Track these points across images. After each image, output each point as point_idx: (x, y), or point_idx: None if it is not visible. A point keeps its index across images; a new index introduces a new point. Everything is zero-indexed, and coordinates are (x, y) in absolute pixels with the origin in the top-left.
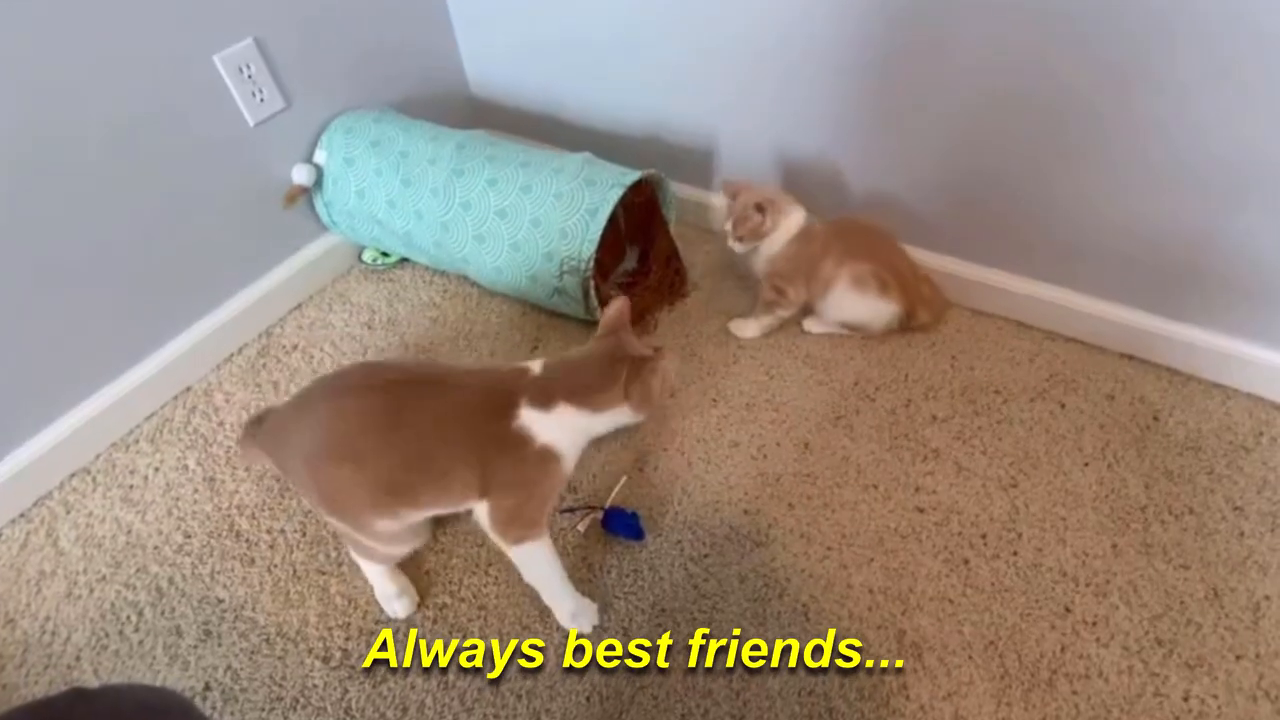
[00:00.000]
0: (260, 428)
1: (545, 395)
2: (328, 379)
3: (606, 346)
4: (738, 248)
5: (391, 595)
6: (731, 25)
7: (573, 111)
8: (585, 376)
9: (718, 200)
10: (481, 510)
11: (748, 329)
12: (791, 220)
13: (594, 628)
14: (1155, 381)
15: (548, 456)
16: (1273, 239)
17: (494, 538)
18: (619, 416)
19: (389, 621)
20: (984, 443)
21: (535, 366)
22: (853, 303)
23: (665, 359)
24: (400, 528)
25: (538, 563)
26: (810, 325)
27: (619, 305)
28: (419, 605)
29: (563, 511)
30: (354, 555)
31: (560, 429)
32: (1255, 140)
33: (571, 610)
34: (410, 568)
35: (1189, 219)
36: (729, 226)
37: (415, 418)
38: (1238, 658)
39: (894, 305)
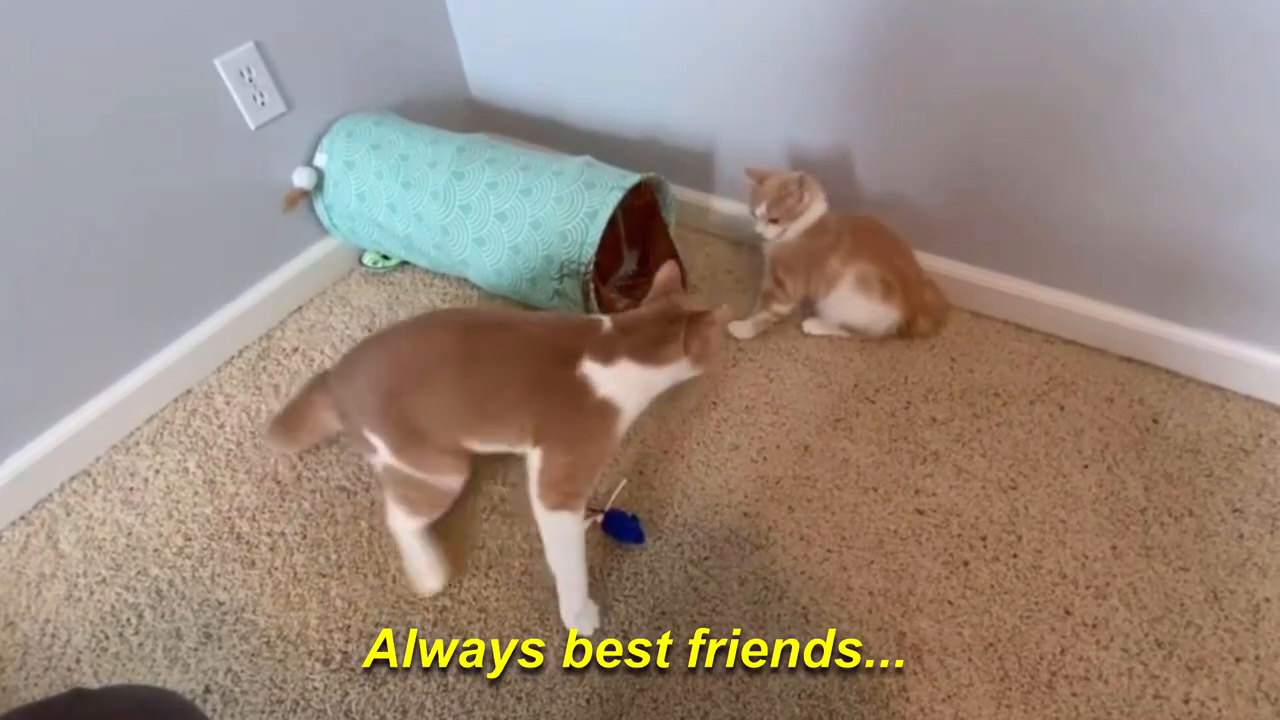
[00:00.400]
0: (322, 383)
1: (608, 350)
2: (405, 321)
3: (661, 306)
4: (770, 232)
5: (424, 569)
6: (731, 28)
7: (573, 115)
8: (646, 333)
9: (718, 203)
10: (533, 459)
11: (743, 328)
12: (813, 210)
13: (594, 631)
14: (1154, 384)
15: (606, 410)
16: (1272, 241)
17: (535, 499)
18: (679, 371)
19: (390, 622)
20: (983, 445)
21: (606, 322)
22: (855, 304)
23: (719, 312)
24: (462, 449)
25: (567, 539)
26: (810, 327)
27: (669, 269)
28: (450, 580)
29: None
30: (394, 520)
31: (621, 383)
32: (1255, 142)
33: (578, 609)
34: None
35: (1189, 221)
36: (761, 210)
37: (484, 355)
38: (1238, 660)
39: (895, 312)
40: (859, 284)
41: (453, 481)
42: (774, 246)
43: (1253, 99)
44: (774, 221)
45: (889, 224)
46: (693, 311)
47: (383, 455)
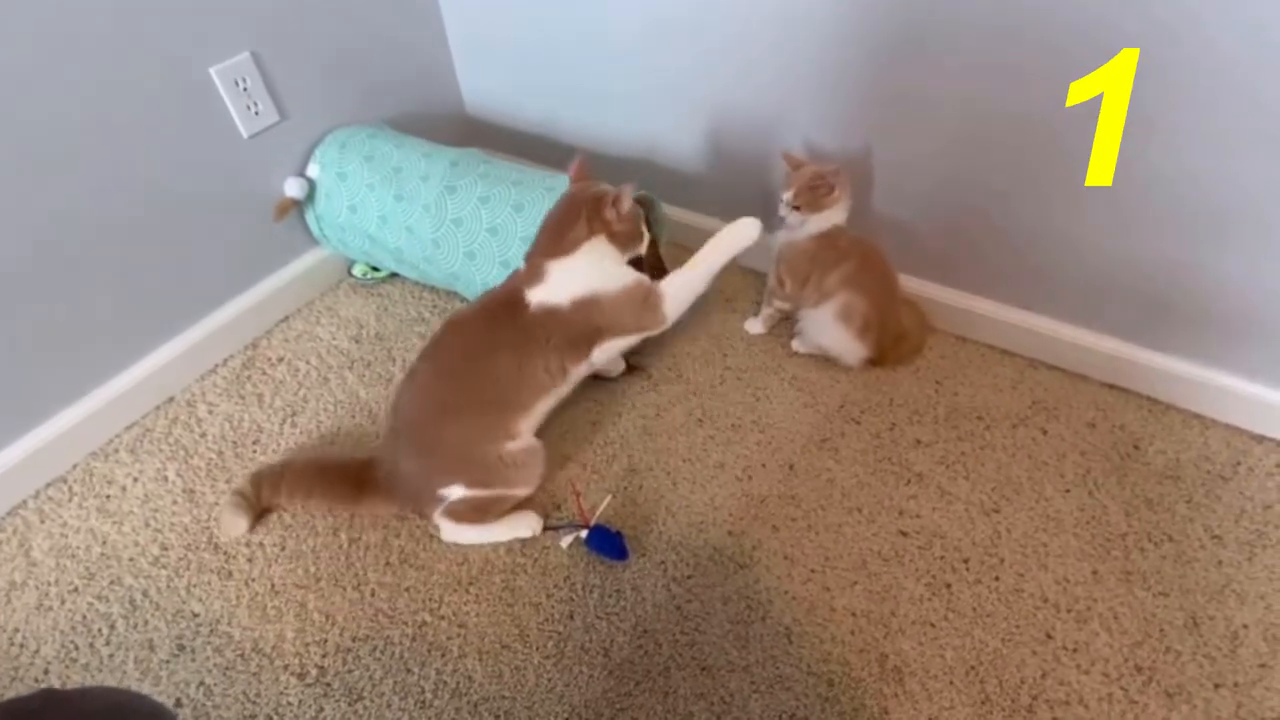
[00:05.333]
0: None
1: (537, 271)
2: (400, 390)
3: (569, 193)
4: (792, 218)
5: (521, 518)
6: (726, 50)
7: (566, 132)
8: (553, 229)
9: (709, 222)
10: (610, 344)
11: (755, 325)
12: (835, 212)
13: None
14: (1136, 410)
15: (583, 304)
16: (1252, 273)
17: (657, 329)
18: (603, 249)
19: (368, 636)
20: (967, 468)
21: (523, 260)
22: (832, 330)
23: (620, 189)
24: (529, 433)
25: (690, 290)
26: (796, 345)
27: (578, 160)
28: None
29: (547, 529)
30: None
31: (566, 286)
32: (1238, 177)
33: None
34: (390, 583)
35: (1172, 252)
36: (788, 196)
37: (463, 367)
38: (1216, 686)
39: (864, 350)
40: (843, 312)
41: (537, 465)
42: (782, 245)
43: (1237, 137)
44: (796, 209)
45: (890, 262)
46: (593, 195)
47: (459, 491)
